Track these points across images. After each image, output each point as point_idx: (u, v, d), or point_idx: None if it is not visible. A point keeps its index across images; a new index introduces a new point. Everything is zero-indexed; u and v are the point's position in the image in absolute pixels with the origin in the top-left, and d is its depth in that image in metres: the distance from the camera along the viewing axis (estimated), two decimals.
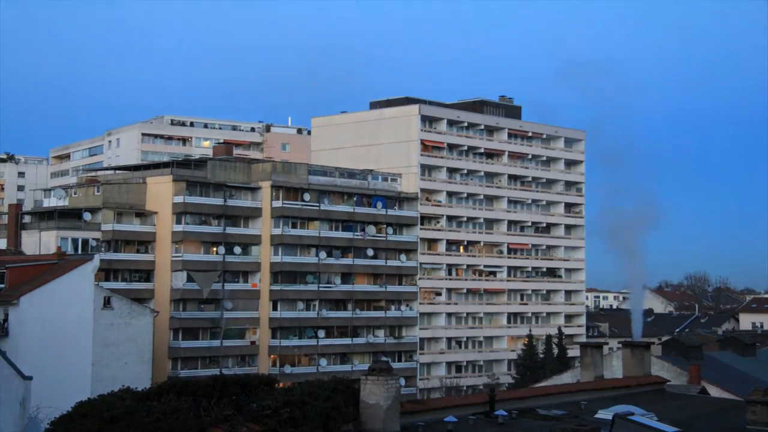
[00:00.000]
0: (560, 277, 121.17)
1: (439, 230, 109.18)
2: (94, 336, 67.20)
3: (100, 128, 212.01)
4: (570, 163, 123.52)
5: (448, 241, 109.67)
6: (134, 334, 73.29)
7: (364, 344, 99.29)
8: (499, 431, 29.17)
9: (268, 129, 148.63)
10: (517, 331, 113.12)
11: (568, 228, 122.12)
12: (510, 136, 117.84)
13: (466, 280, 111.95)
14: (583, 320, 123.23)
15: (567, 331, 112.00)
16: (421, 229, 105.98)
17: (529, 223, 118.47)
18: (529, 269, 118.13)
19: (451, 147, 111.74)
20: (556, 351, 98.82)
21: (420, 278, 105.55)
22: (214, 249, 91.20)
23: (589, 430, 24.93)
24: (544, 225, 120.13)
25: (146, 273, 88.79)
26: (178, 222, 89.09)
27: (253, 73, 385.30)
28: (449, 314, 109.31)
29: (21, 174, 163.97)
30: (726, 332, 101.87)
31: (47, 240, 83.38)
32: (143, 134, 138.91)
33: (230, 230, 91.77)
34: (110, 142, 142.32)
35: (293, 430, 25.07)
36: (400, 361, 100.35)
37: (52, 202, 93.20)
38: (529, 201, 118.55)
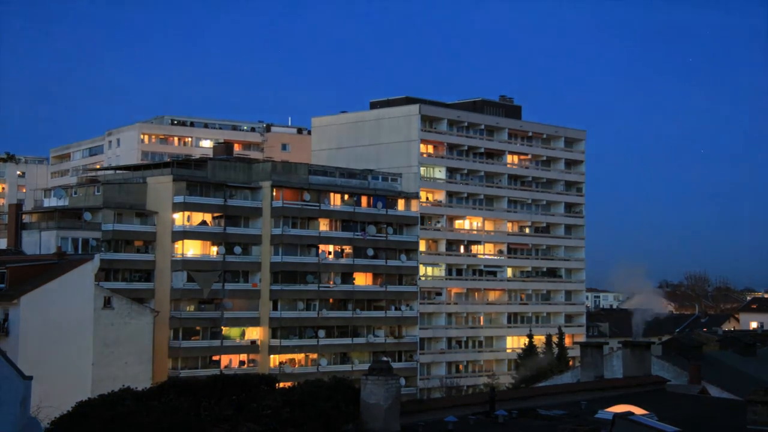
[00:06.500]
0: (560, 277, 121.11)
1: (439, 230, 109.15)
2: (95, 336, 67.14)
3: (100, 128, 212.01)
4: (570, 163, 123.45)
5: (448, 241, 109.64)
6: (134, 334, 73.30)
7: (364, 344, 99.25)
8: (499, 431, 29.15)
9: (268, 129, 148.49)
10: (517, 331, 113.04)
11: (568, 228, 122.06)
12: (510, 136, 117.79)
13: (466, 280, 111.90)
14: (583, 320, 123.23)
15: (567, 331, 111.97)
16: (421, 229, 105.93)
17: (529, 223, 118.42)
18: (529, 269, 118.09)
19: (451, 147, 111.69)
20: (556, 351, 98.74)
21: (420, 278, 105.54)
22: (214, 249, 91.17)
23: (589, 430, 24.94)
24: (544, 225, 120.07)
25: (146, 273, 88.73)
26: (178, 222, 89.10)
27: (254, 73, 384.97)
28: (449, 314, 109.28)
29: (21, 174, 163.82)
30: (726, 332, 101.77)
31: (47, 240, 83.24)
32: (143, 134, 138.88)
33: (230, 230, 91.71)
34: (110, 142, 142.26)
35: (294, 430, 25.06)
36: (400, 361, 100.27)
37: (52, 202, 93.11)
38: (529, 201, 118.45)
